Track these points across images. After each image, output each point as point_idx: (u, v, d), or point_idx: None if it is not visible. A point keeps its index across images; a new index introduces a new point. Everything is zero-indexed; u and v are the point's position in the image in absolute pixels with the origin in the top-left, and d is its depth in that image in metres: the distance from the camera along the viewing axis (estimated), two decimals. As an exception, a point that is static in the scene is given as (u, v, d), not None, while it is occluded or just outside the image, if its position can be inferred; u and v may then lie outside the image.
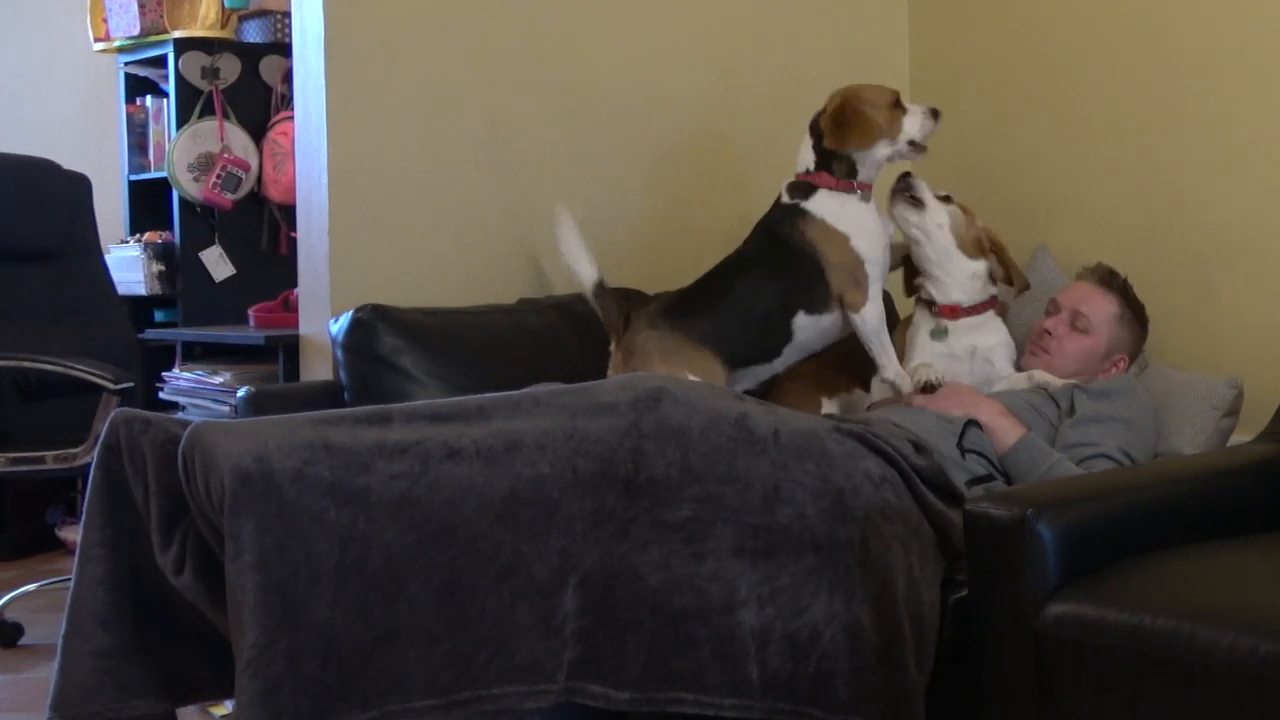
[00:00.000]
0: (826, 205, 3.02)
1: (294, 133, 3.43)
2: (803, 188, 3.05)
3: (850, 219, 3.02)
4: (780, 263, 3.02)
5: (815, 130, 3.06)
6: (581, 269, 3.07)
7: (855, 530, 2.43)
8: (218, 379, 3.83)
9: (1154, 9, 3.39)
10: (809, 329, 3.04)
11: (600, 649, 2.27)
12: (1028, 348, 3.18)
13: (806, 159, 3.06)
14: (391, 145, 3.28)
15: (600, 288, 3.07)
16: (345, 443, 2.15)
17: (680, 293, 3.11)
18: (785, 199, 3.07)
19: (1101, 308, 3.14)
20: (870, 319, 3.01)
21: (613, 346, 3.06)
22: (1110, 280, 3.18)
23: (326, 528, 2.09)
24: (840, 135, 3.00)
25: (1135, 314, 3.18)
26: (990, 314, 3.16)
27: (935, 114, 3.07)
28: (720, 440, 2.41)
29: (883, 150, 3.05)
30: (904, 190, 3.11)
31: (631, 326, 3.03)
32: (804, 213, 3.02)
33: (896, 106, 3.06)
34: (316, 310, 3.28)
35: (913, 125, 3.05)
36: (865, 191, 3.05)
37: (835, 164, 3.03)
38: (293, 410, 2.37)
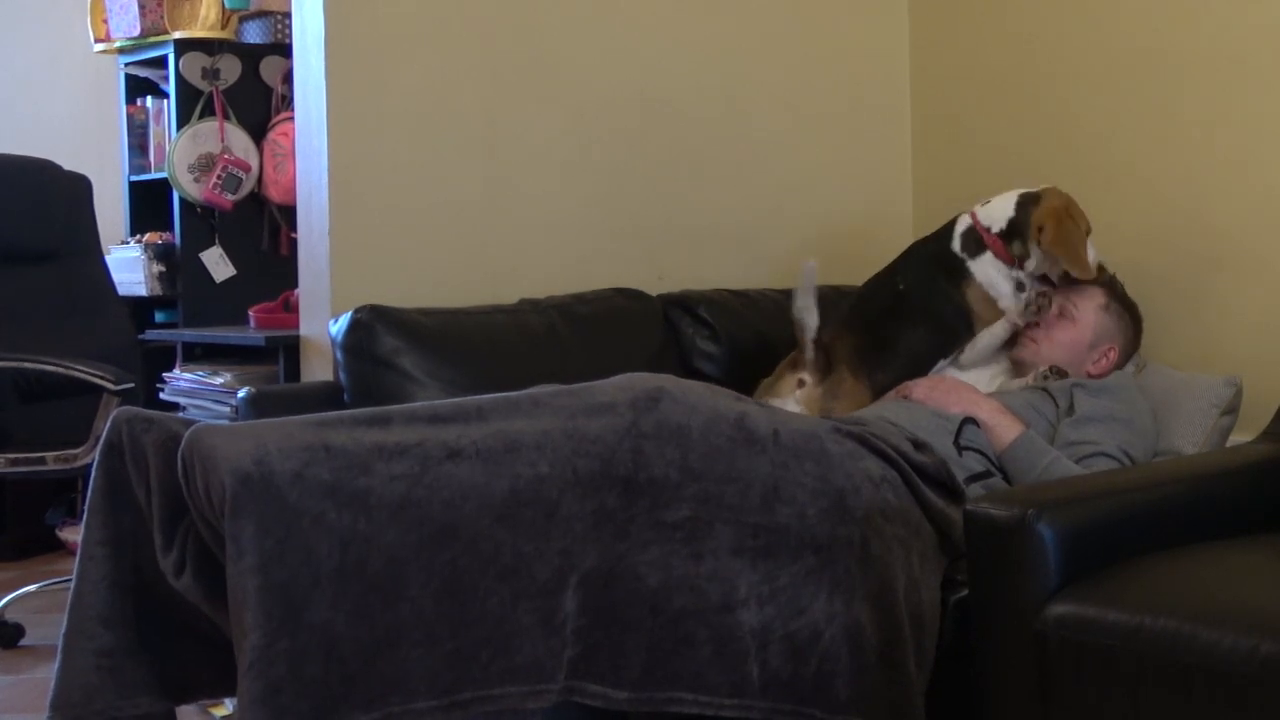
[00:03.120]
0: (987, 271, 3.18)
1: (294, 133, 3.43)
2: (976, 243, 3.17)
3: (1002, 287, 3.18)
4: (939, 316, 3.20)
5: (1022, 204, 3.16)
6: (810, 320, 3.18)
7: (855, 530, 2.44)
8: (218, 380, 3.83)
9: (1153, 11, 3.40)
10: (938, 372, 3.20)
11: (600, 649, 2.27)
12: (1019, 340, 3.20)
13: (999, 218, 3.17)
14: (392, 146, 3.28)
15: (819, 336, 3.18)
16: (345, 444, 2.15)
17: (863, 338, 3.20)
18: (956, 247, 3.20)
19: (1087, 296, 3.18)
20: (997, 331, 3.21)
21: (809, 379, 3.14)
22: (1097, 275, 3.22)
23: (327, 529, 2.09)
24: (1057, 235, 3.10)
25: (1124, 307, 3.21)
26: None
27: (1103, 268, 3.20)
28: (720, 440, 2.41)
29: (1056, 266, 3.16)
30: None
31: (837, 371, 3.16)
32: (967, 274, 3.18)
33: (1086, 235, 3.19)
34: (317, 311, 3.28)
35: (1093, 254, 3.17)
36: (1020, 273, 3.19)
37: (1015, 242, 3.15)
38: (293, 411, 2.37)
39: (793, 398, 3.12)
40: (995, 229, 3.16)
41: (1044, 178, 3.58)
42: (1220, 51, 3.28)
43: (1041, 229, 3.11)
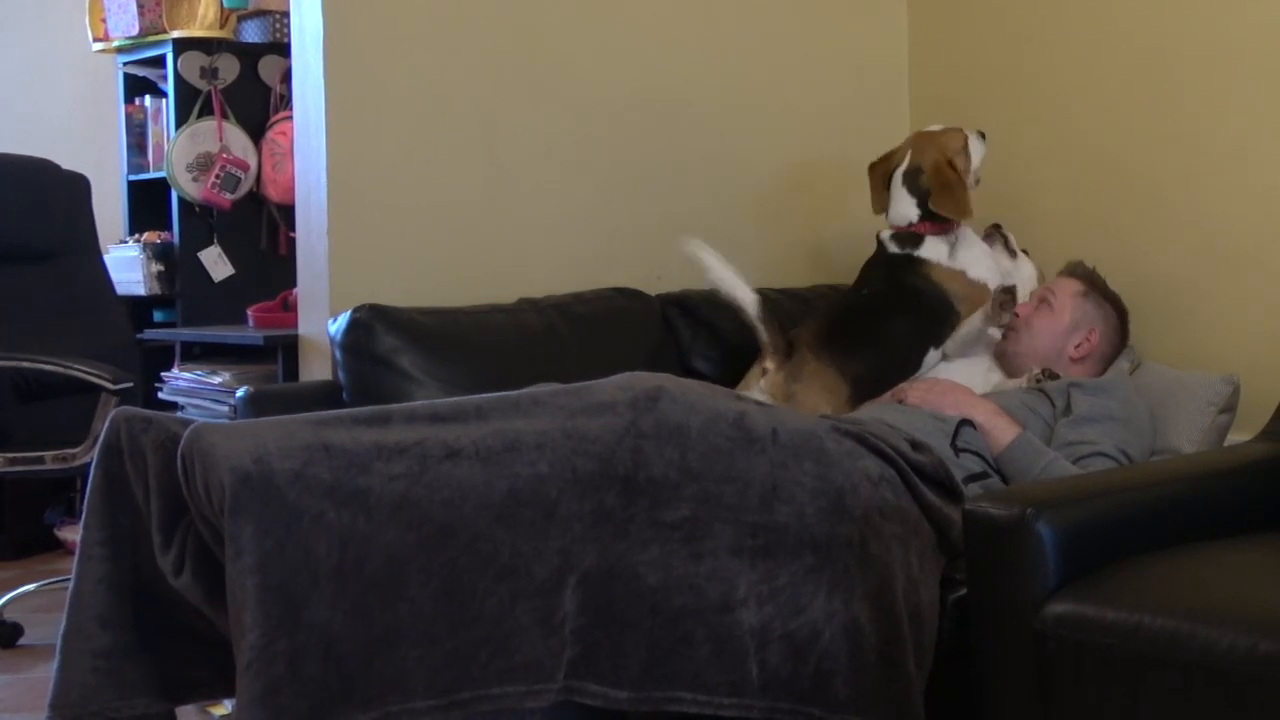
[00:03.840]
0: (938, 250, 3.24)
1: (293, 133, 3.43)
2: (910, 239, 3.25)
3: (961, 256, 3.25)
4: (913, 306, 3.22)
5: (913, 188, 3.27)
6: (741, 294, 3.18)
7: (854, 529, 2.44)
8: (217, 379, 3.83)
9: (1152, 12, 3.40)
10: (931, 361, 3.22)
11: (599, 648, 2.27)
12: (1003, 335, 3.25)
13: (909, 213, 3.27)
14: (391, 145, 3.28)
15: (764, 308, 3.16)
16: (344, 444, 2.15)
17: (829, 325, 3.21)
18: (894, 249, 3.26)
19: (1064, 286, 3.25)
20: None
21: (770, 365, 3.13)
22: (1075, 269, 3.29)
23: (326, 529, 2.09)
24: (948, 200, 3.23)
25: (1103, 294, 3.25)
26: None
27: (983, 136, 3.34)
28: (719, 440, 2.41)
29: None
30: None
31: (799, 354, 3.15)
32: (920, 260, 3.23)
33: (965, 145, 3.32)
34: (315, 310, 3.28)
35: (976, 155, 3.33)
36: (963, 229, 3.27)
37: (936, 218, 3.24)
38: (292, 410, 2.37)
39: (758, 386, 3.12)
40: (914, 219, 3.26)
41: (1042, 176, 3.59)
42: (1218, 50, 3.28)
43: (930, 186, 3.25)
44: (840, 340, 3.17)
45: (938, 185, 3.24)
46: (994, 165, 3.71)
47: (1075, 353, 3.19)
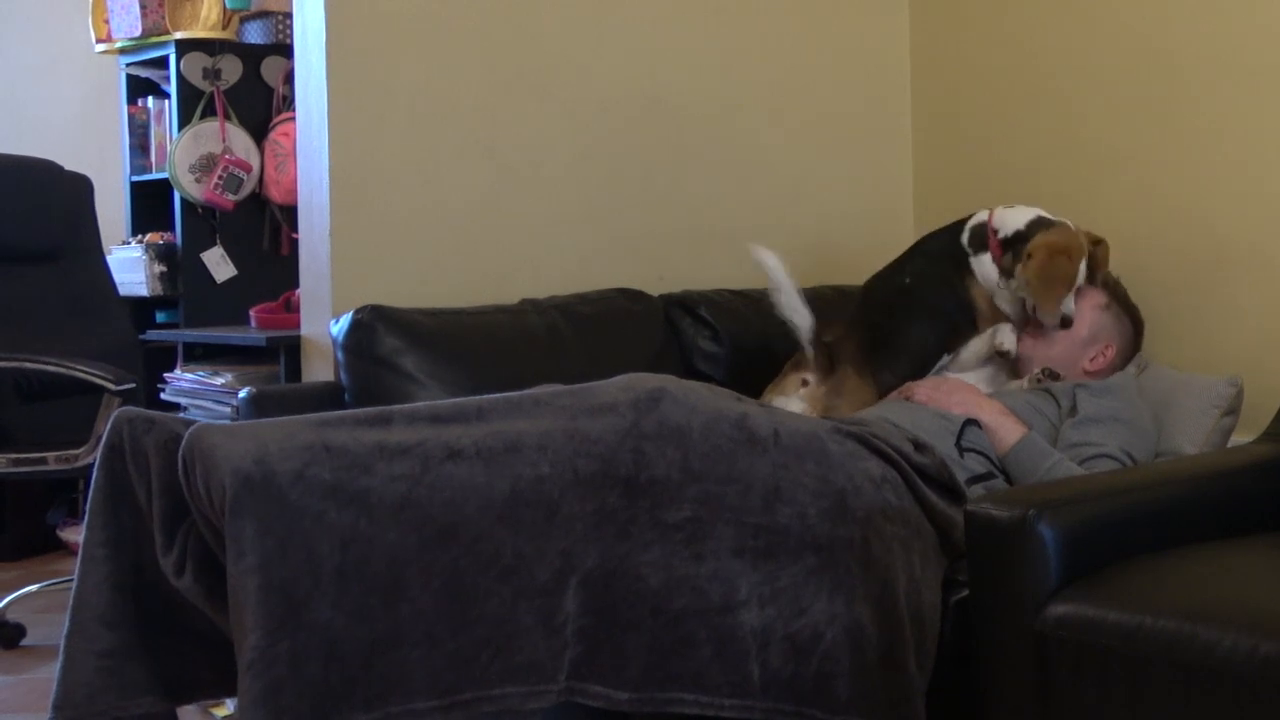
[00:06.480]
0: (985, 269, 3.18)
1: (295, 134, 3.43)
2: (982, 240, 3.18)
3: (995, 289, 3.18)
4: (943, 308, 3.21)
5: (1032, 226, 3.14)
6: (799, 317, 3.19)
7: (856, 531, 2.44)
8: (219, 380, 3.83)
9: (1153, 12, 3.40)
10: (942, 369, 3.22)
11: (600, 649, 2.27)
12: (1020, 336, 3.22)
13: (1009, 226, 3.15)
14: (393, 146, 3.28)
15: (816, 334, 3.19)
16: (346, 444, 2.16)
17: (870, 337, 3.21)
18: (964, 240, 3.21)
19: (1088, 295, 3.19)
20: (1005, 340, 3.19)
21: (811, 379, 3.16)
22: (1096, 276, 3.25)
23: (327, 529, 2.09)
24: (1039, 267, 3.07)
25: (1123, 307, 3.23)
26: None
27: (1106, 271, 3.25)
28: (721, 440, 2.41)
29: (1029, 299, 3.14)
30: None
31: (840, 370, 3.17)
32: (969, 268, 3.19)
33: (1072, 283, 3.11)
34: (318, 311, 3.29)
35: (1067, 304, 3.11)
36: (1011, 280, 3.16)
37: (1008, 254, 3.13)
38: (294, 411, 2.38)
39: (796, 396, 3.13)
40: (1001, 234, 3.15)
41: (1044, 179, 3.59)
42: (1220, 50, 3.28)
43: (1031, 255, 3.08)
44: (878, 355, 3.18)
45: (1047, 249, 3.07)
46: (995, 167, 3.72)
47: (1090, 365, 3.17)
